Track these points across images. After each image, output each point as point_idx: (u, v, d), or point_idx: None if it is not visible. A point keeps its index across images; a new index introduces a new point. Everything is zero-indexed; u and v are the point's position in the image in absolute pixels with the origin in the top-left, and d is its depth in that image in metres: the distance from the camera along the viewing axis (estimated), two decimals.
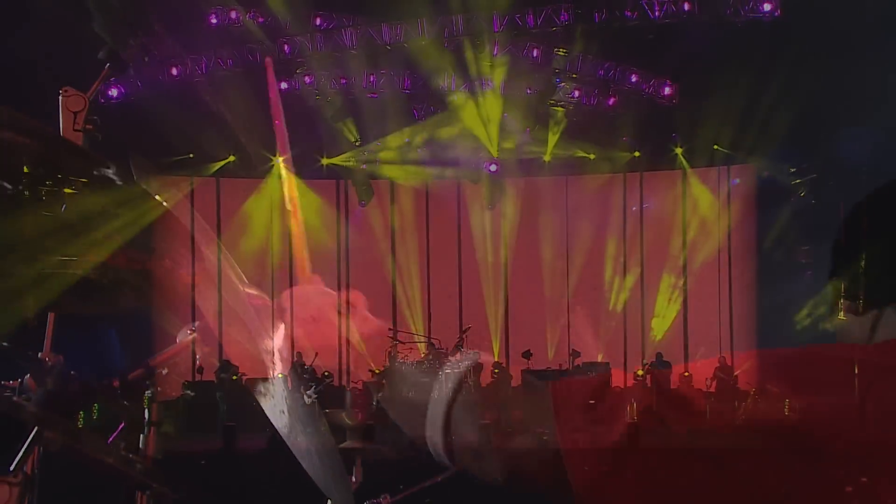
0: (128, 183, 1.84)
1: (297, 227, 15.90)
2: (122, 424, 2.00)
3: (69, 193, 1.68)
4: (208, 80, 14.28)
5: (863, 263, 1.16)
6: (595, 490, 1.03)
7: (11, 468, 1.70)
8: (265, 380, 11.04)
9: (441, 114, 15.68)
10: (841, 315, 1.20)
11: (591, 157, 16.35)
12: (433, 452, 1.22)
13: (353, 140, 15.93)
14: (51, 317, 2.40)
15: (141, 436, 2.02)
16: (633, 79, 15.37)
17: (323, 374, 13.10)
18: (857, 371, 1.01)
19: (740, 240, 15.74)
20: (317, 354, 13.27)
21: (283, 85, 14.90)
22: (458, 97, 15.13)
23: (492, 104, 15.07)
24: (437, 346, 13.47)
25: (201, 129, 13.72)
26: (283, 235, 16.21)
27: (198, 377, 13.27)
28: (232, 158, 15.74)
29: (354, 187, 16.75)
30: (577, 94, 15.58)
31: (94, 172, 1.83)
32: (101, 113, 2.77)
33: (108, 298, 1.84)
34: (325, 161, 16.30)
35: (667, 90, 15.40)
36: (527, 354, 15.06)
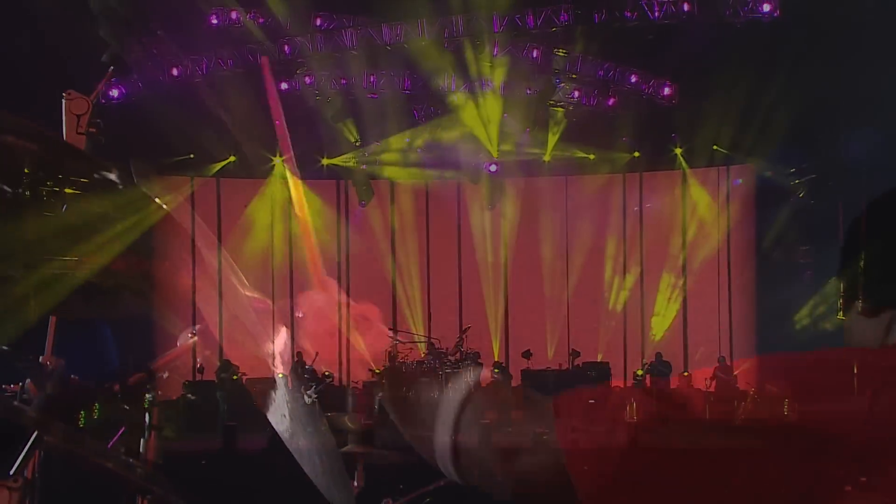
0: (129, 186, 1.84)
1: (307, 231, 15.90)
2: (123, 428, 2.00)
3: (70, 194, 1.68)
4: (209, 81, 14.28)
5: (880, 261, 1.13)
6: (596, 490, 1.03)
7: (11, 472, 1.70)
8: (266, 380, 11.07)
9: (442, 116, 15.70)
10: (851, 315, 1.17)
11: (591, 157, 16.37)
12: (438, 455, 1.21)
13: (353, 140, 15.95)
14: (52, 321, 2.40)
15: (141, 440, 2.02)
16: (633, 79, 15.37)
17: (323, 373, 13.09)
18: (866, 374, 0.99)
19: (740, 240, 15.75)
20: (317, 354, 13.27)
21: (284, 85, 14.91)
22: (458, 97, 15.14)
23: (492, 105, 15.08)
24: (437, 346, 13.46)
25: (201, 130, 13.73)
26: (285, 236, 16.23)
27: (198, 377, 13.28)
28: (232, 159, 15.76)
29: (354, 187, 16.76)
30: (576, 94, 15.59)
31: (96, 176, 1.83)
32: (102, 113, 2.77)
33: (110, 302, 1.84)
34: (325, 161, 16.32)
35: (666, 90, 15.41)
36: (527, 354, 15.08)
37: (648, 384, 14.55)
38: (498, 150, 15.78)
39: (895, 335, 1.10)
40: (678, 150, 16.12)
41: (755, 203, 15.48)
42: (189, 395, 11.12)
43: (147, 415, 2.08)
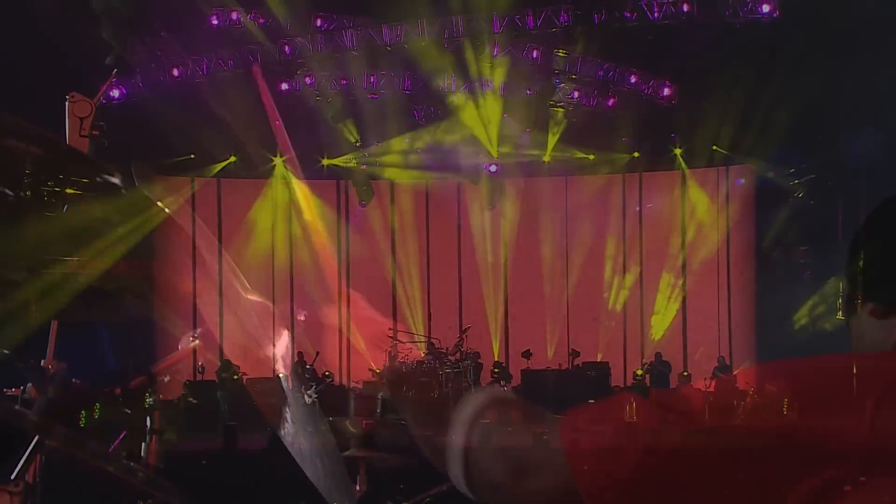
0: (130, 189, 1.84)
1: (318, 238, 15.87)
2: (124, 432, 2.00)
3: (71, 194, 1.68)
4: (209, 81, 14.28)
5: (892, 261, 1.09)
6: (596, 490, 1.03)
7: (12, 477, 1.70)
8: (266, 380, 11.06)
9: (442, 117, 15.70)
10: (859, 317, 1.14)
11: (591, 157, 16.37)
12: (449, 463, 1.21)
13: (353, 141, 15.95)
14: (54, 325, 2.40)
15: (143, 444, 2.02)
16: (633, 79, 15.37)
17: (324, 373, 13.08)
18: (868, 380, 0.97)
19: (739, 240, 15.76)
20: (318, 354, 13.25)
21: (284, 86, 14.92)
22: (458, 98, 15.14)
23: (492, 105, 15.08)
24: (437, 346, 13.45)
25: (202, 130, 13.73)
26: (286, 237, 16.24)
27: (199, 377, 13.28)
28: (233, 159, 15.76)
29: (355, 188, 16.76)
30: (576, 94, 15.59)
31: (98, 179, 1.83)
32: (104, 115, 2.77)
33: (112, 306, 1.84)
34: (325, 162, 16.33)
35: (666, 91, 15.41)
36: (526, 354, 15.08)
37: (648, 384, 14.56)
38: (498, 151, 15.78)
39: None
40: (678, 151, 16.12)
41: (755, 203, 15.49)
42: (190, 399, 11.10)
43: (148, 418, 2.08)
